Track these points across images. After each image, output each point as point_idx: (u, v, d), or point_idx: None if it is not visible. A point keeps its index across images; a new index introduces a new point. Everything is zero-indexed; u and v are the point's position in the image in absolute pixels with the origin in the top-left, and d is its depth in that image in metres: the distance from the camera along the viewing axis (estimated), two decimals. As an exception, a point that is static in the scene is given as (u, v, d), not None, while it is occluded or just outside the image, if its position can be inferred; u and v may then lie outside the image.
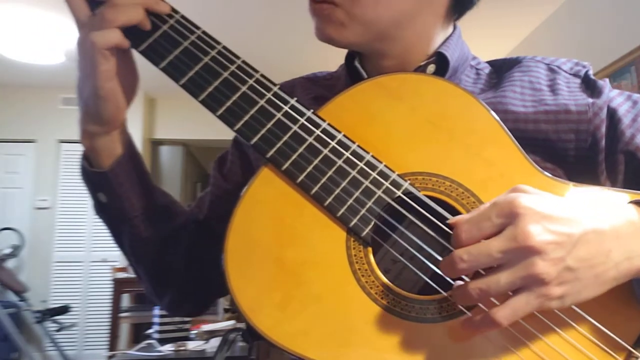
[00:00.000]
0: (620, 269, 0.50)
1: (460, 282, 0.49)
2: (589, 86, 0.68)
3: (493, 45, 4.30)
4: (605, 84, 0.69)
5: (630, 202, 0.54)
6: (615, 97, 0.68)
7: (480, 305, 0.51)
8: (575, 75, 0.70)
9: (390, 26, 0.68)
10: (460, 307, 0.53)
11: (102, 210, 0.71)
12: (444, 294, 0.53)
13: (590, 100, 0.66)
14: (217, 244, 0.76)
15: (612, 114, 0.66)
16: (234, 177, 0.82)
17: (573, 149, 0.66)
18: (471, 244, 0.48)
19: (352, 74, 0.75)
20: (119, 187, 0.68)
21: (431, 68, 0.71)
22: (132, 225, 0.71)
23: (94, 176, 0.68)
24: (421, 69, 0.71)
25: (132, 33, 0.61)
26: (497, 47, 4.37)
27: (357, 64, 0.75)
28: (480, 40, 3.92)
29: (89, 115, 0.65)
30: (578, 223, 0.48)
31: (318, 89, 0.80)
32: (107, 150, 0.67)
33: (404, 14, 0.67)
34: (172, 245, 0.75)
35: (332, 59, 0.82)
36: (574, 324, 0.52)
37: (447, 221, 0.52)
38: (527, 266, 0.46)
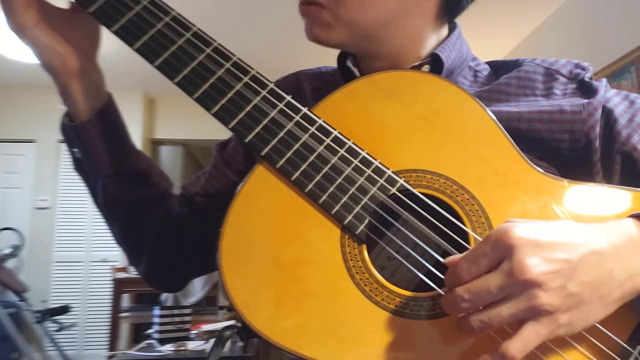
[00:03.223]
0: (624, 288, 0.49)
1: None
2: (585, 91, 0.68)
3: (493, 45, 4.30)
4: (601, 84, 0.68)
5: (630, 216, 0.54)
6: (612, 97, 0.67)
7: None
8: (574, 79, 0.69)
9: (376, 27, 0.68)
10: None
11: (79, 166, 0.73)
12: (439, 291, 0.53)
13: (585, 100, 0.66)
14: (197, 220, 0.79)
15: (609, 115, 0.66)
16: (235, 164, 0.83)
17: (567, 149, 0.65)
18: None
19: (345, 74, 0.75)
20: (88, 143, 0.69)
21: (425, 69, 0.71)
22: (103, 184, 0.72)
23: (68, 129, 0.70)
24: (415, 69, 0.71)
25: (128, 30, 0.61)
26: (497, 46, 4.37)
27: (349, 64, 0.75)
28: (480, 39, 3.92)
29: (45, 68, 0.66)
30: (575, 247, 0.48)
31: (320, 82, 0.81)
32: (78, 103, 0.68)
33: (390, 15, 0.68)
34: (145, 210, 0.76)
35: (329, 57, 0.83)
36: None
37: (443, 261, 0.52)
38: (528, 299, 0.46)
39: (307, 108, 0.61)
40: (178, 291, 0.87)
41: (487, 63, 0.77)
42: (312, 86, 0.80)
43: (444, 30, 0.75)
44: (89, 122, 0.68)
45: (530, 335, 0.46)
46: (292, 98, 0.61)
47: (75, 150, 0.71)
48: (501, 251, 0.47)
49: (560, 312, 0.46)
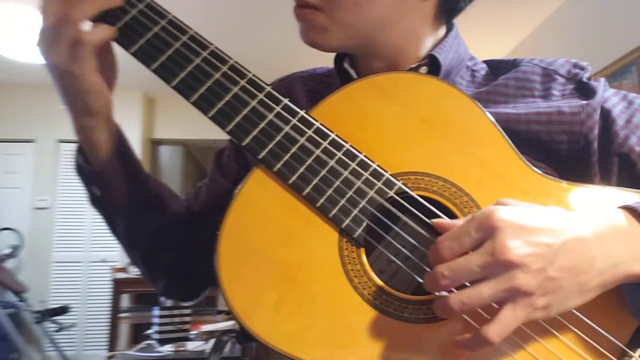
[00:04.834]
0: (605, 277, 0.49)
1: (444, 293, 0.49)
2: (583, 91, 0.68)
3: (493, 44, 4.30)
4: (599, 84, 0.68)
5: (620, 207, 0.54)
6: (610, 97, 0.67)
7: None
8: (572, 79, 0.69)
9: (373, 29, 0.67)
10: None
11: (97, 202, 0.72)
12: (437, 295, 0.53)
13: (584, 101, 0.65)
14: (210, 235, 0.79)
15: (606, 115, 0.65)
16: (230, 172, 0.83)
17: (566, 150, 0.65)
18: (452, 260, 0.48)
19: (342, 75, 0.75)
20: (111, 183, 0.69)
21: (423, 70, 0.70)
22: (125, 217, 0.72)
23: (88, 172, 0.69)
24: (413, 71, 0.70)
25: (124, 34, 0.61)
26: (498, 46, 4.37)
27: (346, 65, 0.75)
28: (480, 38, 3.92)
29: (78, 110, 0.64)
30: (559, 232, 0.48)
31: (314, 84, 0.80)
32: (101, 142, 0.67)
33: (386, 17, 0.67)
34: (164, 235, 0.77)
35: (327, 57, 0.82)
36: (567, 324, 0.52)
37: (432, 222, 0.53)
38: (508, 279, 0.46)
39: (304, 111, 0.60)
40: (193, 301, 0.89)
41: (485, 62, 0.77)
42: (306, 88, 0.80)
43: (442, 30, 0.74)
44: (110, 162, 0.68)
45: (507, 318, 0.46)
46: (289, 101, 0.61)
47: (94, 187, 0.71)
48: (485, 232, 0.47)
49: (538, 295, 0.47)
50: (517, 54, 4.35)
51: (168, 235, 0.77)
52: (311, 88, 0.80)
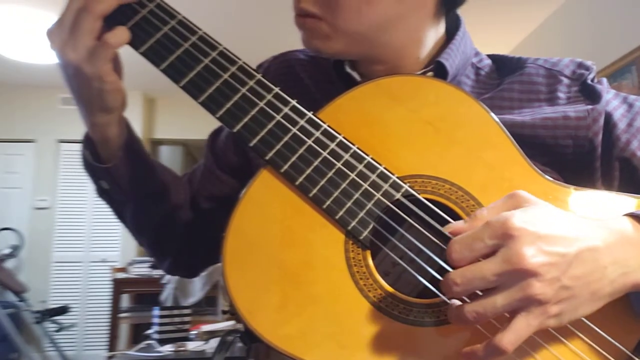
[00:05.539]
0: (615, 285, 0.50)
1: (456, 302, 0.49)
2: (588, 94, 0.67)
3: (495, 43, 4.30)
4: (603, 87, 0.68)
5: (625, 215, 0.54)
6: (610, 99, 0.67)
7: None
8: (577, 80, 0.69)
9: (376, 33, 0.67)
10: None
11: (104, 194, 0.74)
12: (443, 297, 0.53)
13: (590, 106, 0.65)
14: (203, 220, 0.82)
15: (608, 119, 0.65)
16: (226, 161, 0.83)
17: (570, 154, 0.65)
18: (464, 265, 0.48)
19: (345, 79, 0.74)
20: (120, 176, 0.70)
21: (429, 75, 0.70)
22: (133, 207, 0.74)
23: (97, 169, 0.70)
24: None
25: (135, 34, 0.61)
26: (499, 45, 4.37)
27: (349, 69, 0.74)
28: (482, 36, 3.92)
29: (95, 109, 0.64)
30: (573, 241, 0.48)
31: (315, 69, 0.79)
32: (114, 137, 0.68)
33: (389, 20, 0.66)
34: (170, 220, 0.79)
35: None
36: (575, 331, 0.52)
37: (445, 228, 0.53)
38: (523, 288, 0.46)
39: (312, 112, 0.60)
40: (196, 277, 0.93)
41: (490, 57, 0.76)
42: (309, 74, 0.79)
43: (442, 25, 0.73)
44: (120, 157, 0.69)
45: (521, 327, 0.47)
46: (297, 102, 0.61)
47: (102, 182, 0.71)
48: (499, 239, 0.47)
49: (551, 304, 0.47)
50: (519, 53, 4.34)
51: (173, 222, 0.80)
52: (312, 75, 0.78)
